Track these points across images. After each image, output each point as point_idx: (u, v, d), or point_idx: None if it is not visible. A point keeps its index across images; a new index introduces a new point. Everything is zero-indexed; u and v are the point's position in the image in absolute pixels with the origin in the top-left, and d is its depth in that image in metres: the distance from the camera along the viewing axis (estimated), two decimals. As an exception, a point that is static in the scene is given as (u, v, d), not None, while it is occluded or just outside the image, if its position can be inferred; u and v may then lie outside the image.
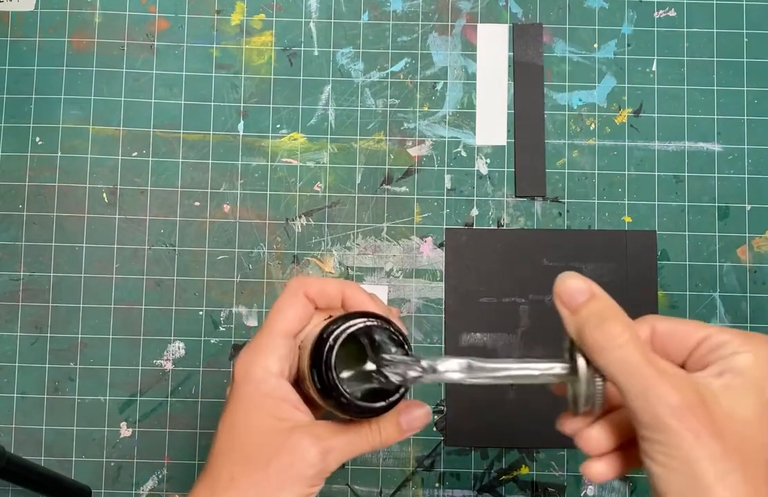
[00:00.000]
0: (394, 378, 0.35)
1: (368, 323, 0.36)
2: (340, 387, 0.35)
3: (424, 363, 0.34)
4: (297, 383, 0.38)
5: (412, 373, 0.34)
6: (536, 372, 0.34)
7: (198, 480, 0.37)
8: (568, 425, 0.35)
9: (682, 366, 0.33)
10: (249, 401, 0.37)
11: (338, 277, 0.59)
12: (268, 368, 0.37)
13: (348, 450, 0.37)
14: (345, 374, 0.36)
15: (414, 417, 0.38)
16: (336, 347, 0.35)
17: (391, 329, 0.36)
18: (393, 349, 0.35)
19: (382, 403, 0.35)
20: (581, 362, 0.32)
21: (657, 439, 0.30)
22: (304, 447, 0.35)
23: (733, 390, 0.31)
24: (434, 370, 0.34)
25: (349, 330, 0.35)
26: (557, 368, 0.34)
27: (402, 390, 0.35)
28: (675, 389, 0.30)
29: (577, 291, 0.32)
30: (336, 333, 0.35)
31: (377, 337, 0.36)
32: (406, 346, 0.36)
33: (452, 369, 0.34)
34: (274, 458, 0.35)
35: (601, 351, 0.31)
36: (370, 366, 0.36)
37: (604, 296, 0.32)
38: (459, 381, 0.34)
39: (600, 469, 0.34)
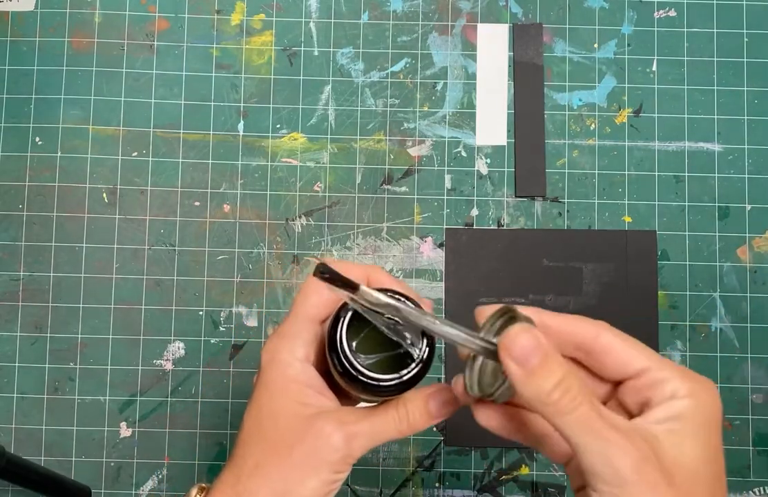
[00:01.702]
0: (406, 345, 0.34)
1: (382, 293, 0.35)
2: (350, 355, 0.34)
3: (364, 289, 0.33)
4: (329, 375, 0.37)
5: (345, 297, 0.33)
6: (459, 338, 0.33)
7: (224, 467, 0.37)
8: (464, 395, 0.35)
9: (617, 384, 0.34)
10: (274, 386, 0.37)
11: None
12: (294, 352, 0.37)
13: (374, 435, 0.36)
14: (372, 361, 0.36)
15: (443, 401, 0.37)
16: (346, 319, 0.35)
17: (408, 303, 0.35)
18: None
19: (394, 375, 0.34)
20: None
21: (613, 493, 0.30)
22: (328, 432, 0.35)
23: (677, 437, 0.31)
24: (369, 301, 0.33)
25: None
26: (480, 343, 0.33)
27: (417, 365, 0.35)
28: (632, 444, 0.30)
29: (530, 351, 0.31)
30: (348, 306, 0.35)
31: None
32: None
33: (383, 304, 0.33)
34: (298, 443, 0.35)
35: (556, 414, 0.31)
36: (395, 348, 0.35)
37: (556, 357, 0.31)
38: (386, 310, 0.34)
39: (487, 417, 0.35)
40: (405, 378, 0.35)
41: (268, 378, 0.37)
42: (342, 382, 0.36)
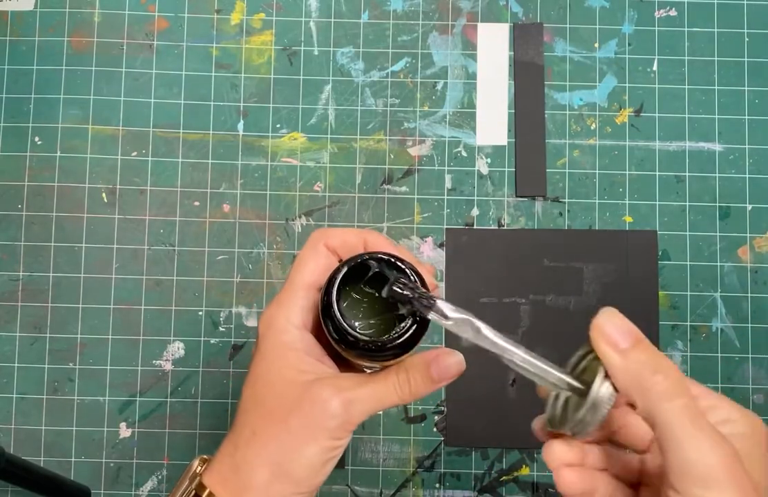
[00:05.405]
0: (403, 310, 0.33)
1: (373, 255, 0.34)
2: (342, 318, 0.33)
3: (441, 303, 0.32)
4: (331, 345, 0.37)
5: (422, 310, 0.33)
6: (543, 373, 0.33)
7: (225, 437, 0.37)
8: (543, 432, 0.35)
9: None
10: (271, 353, 0.36)
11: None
12: (290, 319, 0.36)
13: (373, 401, 0.35)
14: (367, 324, 0.35)
15: (445, 365, 0.35)
16: (337, 280, 0.34)
17: (401, 264, 0.34)
18: (402, 283, 0.34)
19: (391, 336, 0.33)
20: (602, 389, 0.31)
21: (696, 494, 0.29)
22: (325, 397, 0.34)
23: (744, 454, 0.31)
24: (444, 316, 0.33)
25: (351, 263, 0.34)
26: (567, 379, 0.33)
27: (410, 324, 0.33)
28: (726, 443, 0.29)
29: (624, 331, 0.31)
30: (340, 267, 0.34)
31: (386, 272, 0.34)
32: (418, 281, 0.34)
33: (460, 321, 0.33)
34: (295, 410, 0.34)
35: (657, 399, 0.30)
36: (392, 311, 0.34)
37: (650, 343, 0.31)
38: (458, 333, 0.33)
39: (570, 478, 0.33)
40: (399, 337, 0.33)
41: (264, 347, 0.36)
42: (339, 349, 0.35)
